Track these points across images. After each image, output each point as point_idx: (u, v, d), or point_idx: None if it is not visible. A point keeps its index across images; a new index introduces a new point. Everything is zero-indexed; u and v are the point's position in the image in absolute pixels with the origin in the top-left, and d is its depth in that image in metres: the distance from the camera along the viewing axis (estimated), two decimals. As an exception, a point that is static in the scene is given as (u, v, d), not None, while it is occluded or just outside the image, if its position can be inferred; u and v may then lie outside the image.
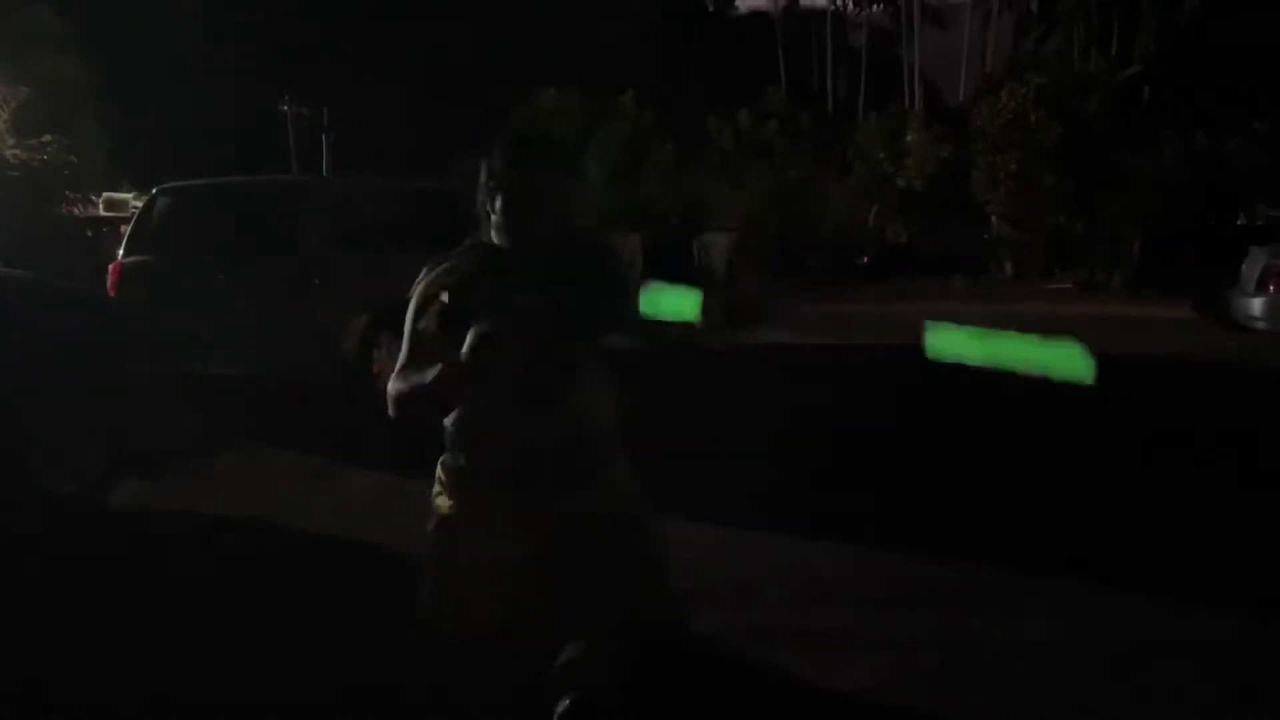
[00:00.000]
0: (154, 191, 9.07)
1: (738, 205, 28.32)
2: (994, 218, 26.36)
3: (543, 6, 34.86)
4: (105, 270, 8.73)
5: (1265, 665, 3.31)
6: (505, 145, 2.22)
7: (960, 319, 15.34)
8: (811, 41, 43.91)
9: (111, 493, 5.52)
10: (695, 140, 30.34)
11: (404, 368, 2.17)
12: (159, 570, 4.39)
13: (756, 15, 47.86)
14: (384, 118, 29.19)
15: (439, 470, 2.29)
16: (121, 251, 8.70)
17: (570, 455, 2.20)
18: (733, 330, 13.46)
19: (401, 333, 2.25)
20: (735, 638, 3.50)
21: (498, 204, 2.18)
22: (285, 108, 28.35)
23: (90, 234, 21.52)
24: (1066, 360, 1.92)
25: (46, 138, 18.15)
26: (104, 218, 21.95)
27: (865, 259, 28.88)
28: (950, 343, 1.98)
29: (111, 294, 8.28)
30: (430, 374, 2.08)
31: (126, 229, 9.67)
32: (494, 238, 2.21)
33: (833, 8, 45.33)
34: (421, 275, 2.22)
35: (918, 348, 11.30)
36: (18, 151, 17.98)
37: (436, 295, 2.15)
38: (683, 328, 2.15)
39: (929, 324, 2.06)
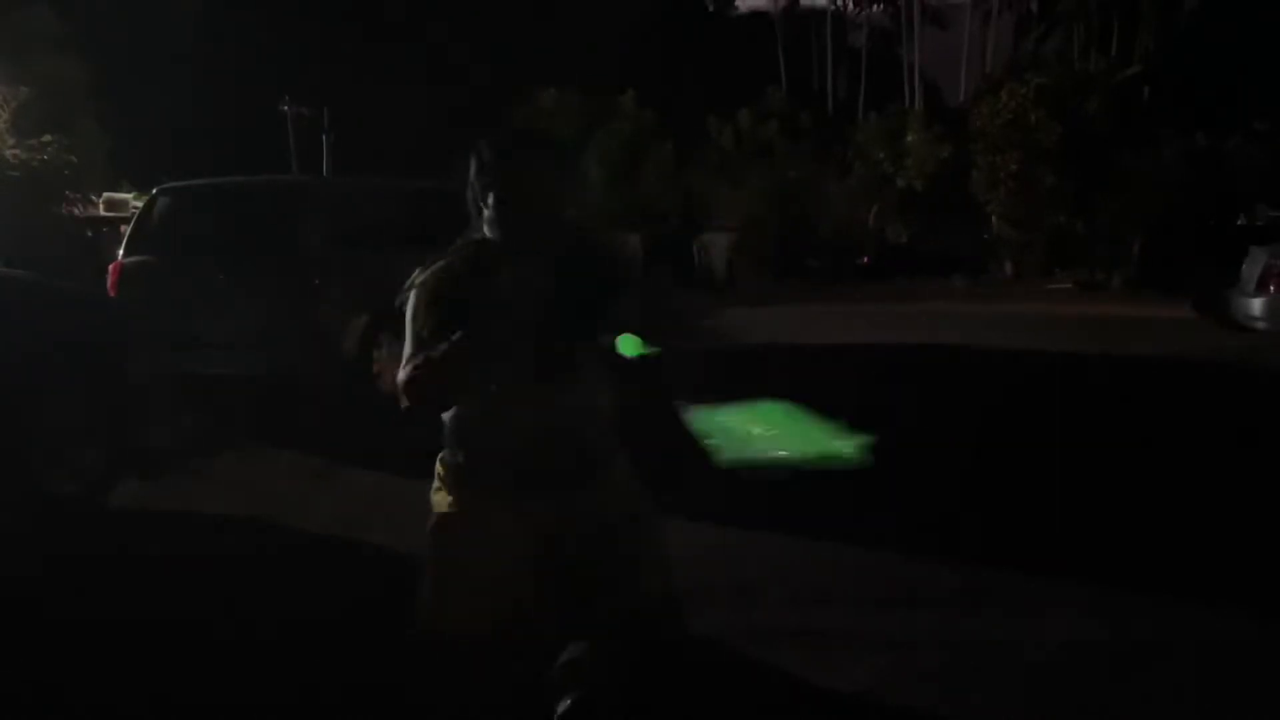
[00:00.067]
0: (154, 191, 9.07)
1: (738, 205, 28.33)
2: (994, 218, 26.37)
3: (543, 6, 34.86)
4: (105, 270, 8.73)
5: (1265, 665, 3.31)
6: (494, 138, 2.22)
7: (960, 319, 15.37)
8: (811, 41, 43.92)
9: (111, 493, 5.52)
10: (695, 140, 30.35)
11: (409, 361, 2.17)
12: (159, 570, 4.38)
13: (756, 15, 47.88)
14: (384, 118, 29.19)
15: (438, 466, 2.29)
16: (122, 251, 8.69)
17: (570, 453, 2.21)
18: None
19: (401, 333, 2.25)
20: (735, 638, 3.50)
21: (490, 199, 2.18)
22: (285, 108, 28.36)
23: (90, 234, 21.53)
24: (840, 450, 1.84)
25: (46, 138, 18.15)
26: (104, 218, 21.96)
27: (865, 259, 28.89)
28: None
29: (112, 294, 8.28)
30: (439, 351, 2.07)
31: (126, 229, 9.67)
32: (487, 233, 2.21)
33: (833, 8, 45.36)
34: (415, 275, 2.22)
35: (921, 347, 11.31)
36: (18, 151, 17.98)
37: (434, 297, 2.15)
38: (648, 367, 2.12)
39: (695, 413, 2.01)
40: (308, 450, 6.62)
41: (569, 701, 2.27)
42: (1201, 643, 3.46)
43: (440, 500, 2.27)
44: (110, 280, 8.45)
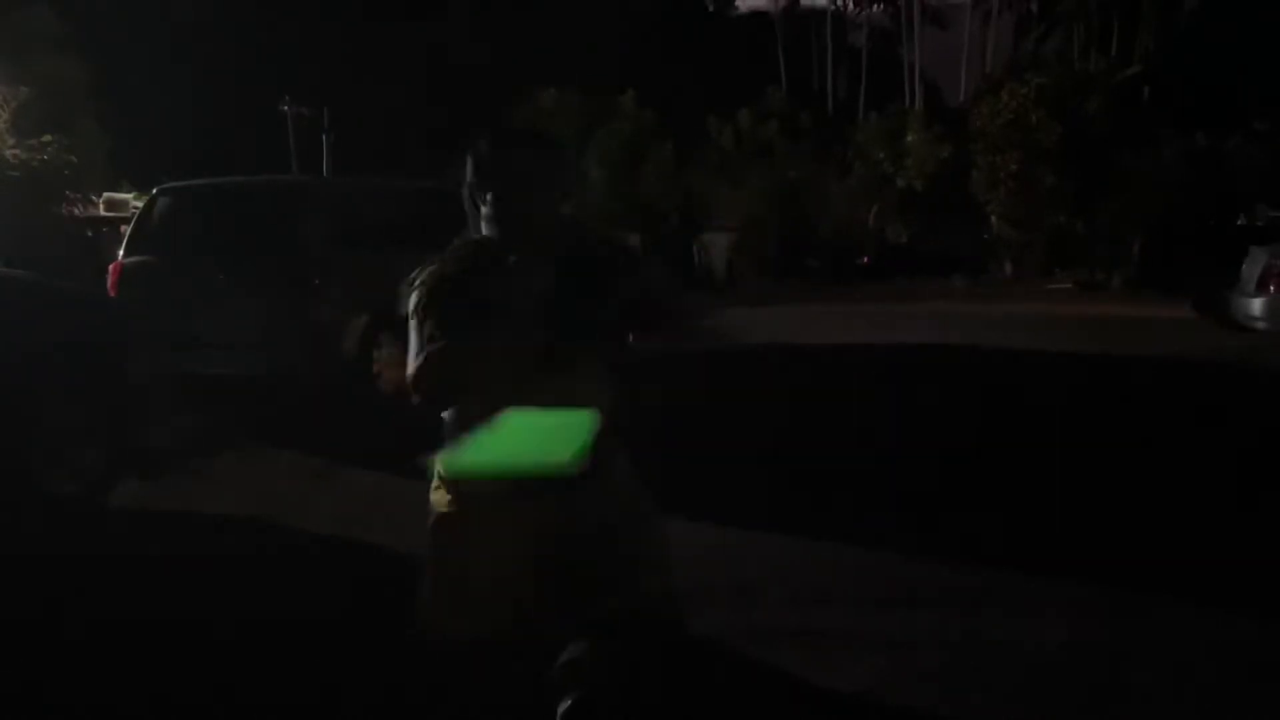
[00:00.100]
0: (154, 191, 9.07)
1: (738, 205, 28.34)
2: (994, 218, 26.38)
3: (543, 6, 34.87)
4: (105, 270, 8.73)
5: (1265, 665, 3.31)
6: (490, 136, 2.22)
7: (960, 319, 15.38)
8: (812, 41, 43.92)
9: (111, 493, 5.52)
10: (695, 140, 30.34)
11: (415, 357, 2.17)
12: (159, 570, 4.38)
13: (756, 15, 47.88)
14: (384, 118, 29.19)
15: (438, 465, 2.29)
16: (122, 252, 8.70)
17: None
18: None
19: (401, 333, 2.25)
20: (735, 638, 3.50)
21: (488, 196, 2.18)
22: (285, 108, 28.36)
23: (90, 234, 21.54)
24: (571, 429, 1.87)
25: (47, 138, 18.16)
26: (104, 218, 21.97)
27: (865, 259, 28.90)
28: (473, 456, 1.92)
29: (112, 294, 8.28)
30: (439, 350, 2.10)
31: (127, 229, 9.68)
32: (485, 232, 2.21)
33: (833, 8, 45.35)
34: (414, 275, 2.22)
35: (921, 347, 11.32)
36: (18, 151, 17.98)
37: (434, 296, 2.15)
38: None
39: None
40: (308, 450, 6.62)
41: (571, 702, 2.26)
42: (1201, 643, 3.46)
43: (439, 499, 2.27)
44: (110, 280, 8.45)
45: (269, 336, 7.87)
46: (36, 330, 5.43)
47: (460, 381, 2.16)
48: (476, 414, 2.21)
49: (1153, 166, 24.06)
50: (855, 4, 46.94)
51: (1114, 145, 24.37)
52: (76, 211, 20.37)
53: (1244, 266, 11.83)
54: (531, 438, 1.93)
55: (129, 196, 21.66)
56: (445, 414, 2.26)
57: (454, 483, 2.26)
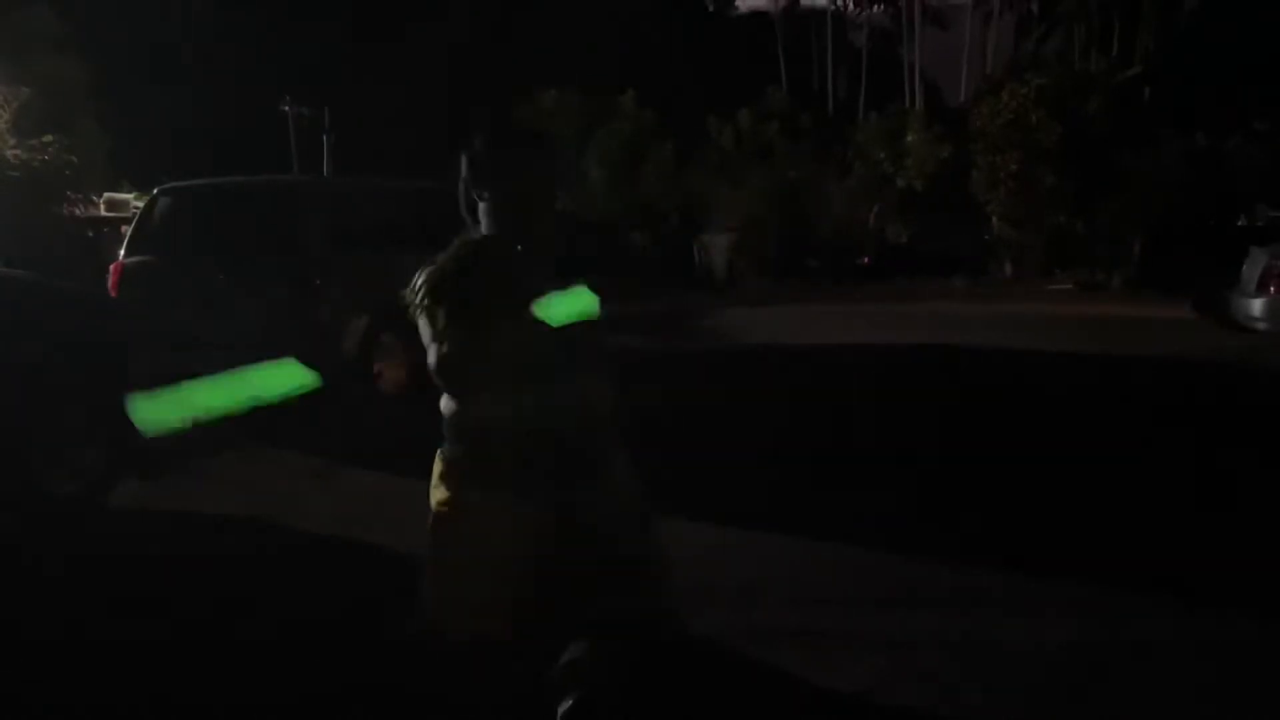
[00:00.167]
0: (155, 192, 9.07)
1: (738, 205, 28.32)
2: (994, 218, 26.36)
3: (543, 6, 34.86)
4: (106, 270, 8.73)
5: (1266, 665, 3.31)
6: (484, 135, 2.23)
7: (960, 319, 15.38)
8: (812, 41, 43.92)
9: (111, 493, 5.52)
10: (695, 140, 30.31)
11: (431, 350, 2.17)
12: (159, 570, 4.39)
13: (757, 15, 47.88)
14: (385, 118, 29.19)
15: (437, 461, 2.29)
16: (123, 252, 8.70)
17: (569, 451, 2.20)
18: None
19: (401, 333, 2.26)
20: (735, 638, 3.50)
21: (485, 194, 2.18)
22: (286, 108, 28.37)
23: (91, 234, 21.54)
24: (282, 378, 2.02)
25: (47, 138, 18.16)
26: (105, 218, 21.98)
27: (865, 259, 28.88)
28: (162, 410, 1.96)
29: (113, 294, 8.28)
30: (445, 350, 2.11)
31: (127, 229, 9.68)
32: (484, 229, 2.21)
33: (833, 8, 45.34)
34: (416, 278, 2.22)
35: (921, 347, 11.32)
36: (18, 152, 17.99)
37: (436, 296, 2.15)
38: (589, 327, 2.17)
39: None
40: (308, 450, 6.63)
41: (572, 702, 2.27)
42: (1200, 643, 3.46)
43: (439, 497, 2.27)
44: (111, 280, 8.45)
45: (269, 336, 7.86)
46: (37, 330, 5.43)
47: (475, 377, 2.17)
48: (476, 411, 2.21)
49: (1153, 167, 24.04)
50: (855, 4, 46.94)
51: (1114, 145, 24.36)
52: (77, 212, 20.38)
53: (1244, 267, 11.82)
54: (237, 382, 2.04)
55: (129, 197, 21.67)
56: (445, 412, 2.26)
57: (454, 479, 2.26)
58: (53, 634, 3.67)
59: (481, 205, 2.20)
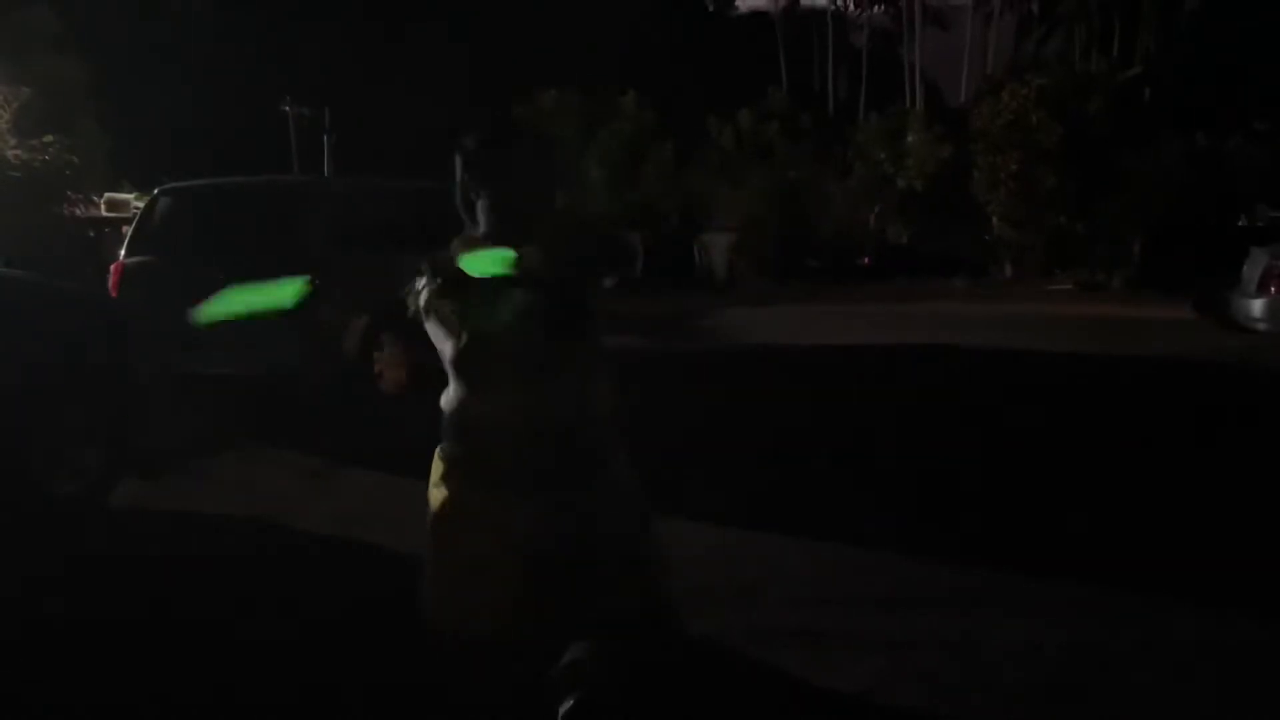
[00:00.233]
0: (155, 192, 9.07)
1: (738, 205, 28.33)
2: (994, 218, 26.37)
3: (543, 6, 34.87)
4: (106, 270, 8.73)
5: (1265, 665, 3.31)
6: (476, 131, 2.23)
7: (960, 320, 15.38)
8: (812, 42, 43.95)
9: (111, 493, 5.52)
10: (695, 140, 30.33)
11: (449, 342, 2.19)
12: (159, 570, 4.38)
13: (757, 15, 47.92)
14: (385, 118, 29.20)
15: (436, 460, 2.29)
16: (123, 252, 8.71)
17: (568, 449, 2.20)
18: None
19: (401, 333, 2.27)
20: (735, 638, 3.50)
21: (481, 193, 2.18)
22: (287, 108, 28.38)
23: (91, 234, 21.56)
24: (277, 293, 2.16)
25: (48, 138, 18.18)
26: (105, 218, 22.00)
27: (866, 260, 28.89)
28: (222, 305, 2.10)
29: (113, 294, 8.28)
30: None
31: (128, 229, 9.68)
32: (481, 227, 2.21)
33: (834, 8, 45.38)
34: (418, 279, 2.22)
35: (921, 347, 11.32)
36: (19, 152, 18.00)
37: (442, 293, 2.15)
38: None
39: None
40: (308, 450, 6.62)
41: (571, 702, 2.27)
42: (1200, 643, 3.46)
43: (438, 495, 2.27)
44: (111, 280, 8.45)
45: (269, 337, 7.85)
46: (37, 330, 5.43)
47: (495, 368, 2.17)
48: (475, 409, 2.21)
49: (1153, 167, 24.05)
50: (856, 4, 46.98)
51: (1114, 146, 24.37)
52: (78, 212, 20.41)
53: (1244, 267, 11.83)
54: (259, 291, 2.30)
55: (130, 197, 21.69)
56: (446, 410, 2.26)
57: (453, 477, 2.26)
58: (53, 634, 3.67)
59: (479, 204, 2.20)
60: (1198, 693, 3.13)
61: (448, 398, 2.26)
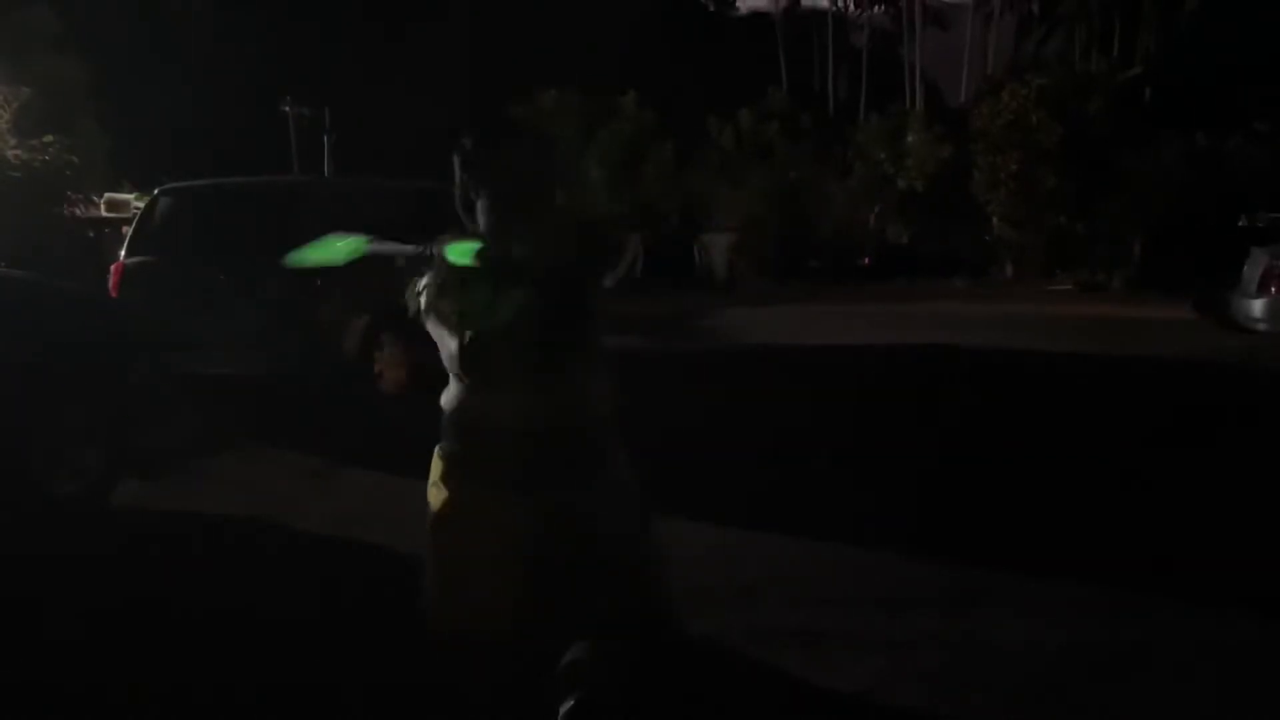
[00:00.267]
0: (155, 192, 9.07)
1: (738, 205, 28.34)
2: (995, 219, 26.38)
3: (543, 6, 34.86)
4: (106, 270, 8.73)
5: (1265, 665, 3.31)
6: (472, 131, 2.23)
7: (960, 320, 15.38)
8: (813, 42, 43.93)
9: (111, 493, 5.52)
10: (696, 140, 30.33)
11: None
12: (159, 570, 4.38)
13: (757, 15, 47.91)
14: (385, 118, 29.20)
15: (435, 459, 2.29)
16: (123, 252, 8.70)
17: (567, 448, 2.20)
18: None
19: (401, 333, 2.27)
20: (735, 638, 3.50)
21: (480, 192, 2.18)
22: (287, 108, 28.38)
23: (91, 234, 21.56)
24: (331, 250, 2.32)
25: (48, 138, 18.17)
26: (105, 218, 22.00)
27: (866, 260, 28.90)
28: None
29: (113, 294, 8.28)
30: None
31: (128, 230, 9.68)
32: (481, 227, 2.21)
33: (834, 8, 45.37)
34: (418, 280, 2.22)
35: (922, 347, 11.32)
36: (19, 152, 18.00)
37: (443, 291, 2.16)
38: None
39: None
40: (308, 450, 6.62)
41: (574, 702, 2.26)
42: (1200, 643, 3.46)
43: (438, 494, 2.27)
44: (112, 281, 8.45)
45: (269, 337, 7.87)
46: (37, 330, 5.43)
47: (499, 364, 2.17)
48: (474, 408, 2.21)
49: (1153, 167, 24.06)
50: (856, 5, 46.97)
51: (1115, 146, 24.38)
52: (78, 212, 20.40)
53: (1244, 268, 11.83)
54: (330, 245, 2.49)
55: (130, 197, 21.68)
56: (446, 408, 2.26)
57: (452, 476, 2.26)
58: (53, 633, 3.67)
59: (478, 204, 2.20)
60: (1198, 693, 3.13)
61: (448, 397, 2.26)
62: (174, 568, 4.41)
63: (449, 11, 32.79)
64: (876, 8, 46.86)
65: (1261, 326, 11.28)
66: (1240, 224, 22.08)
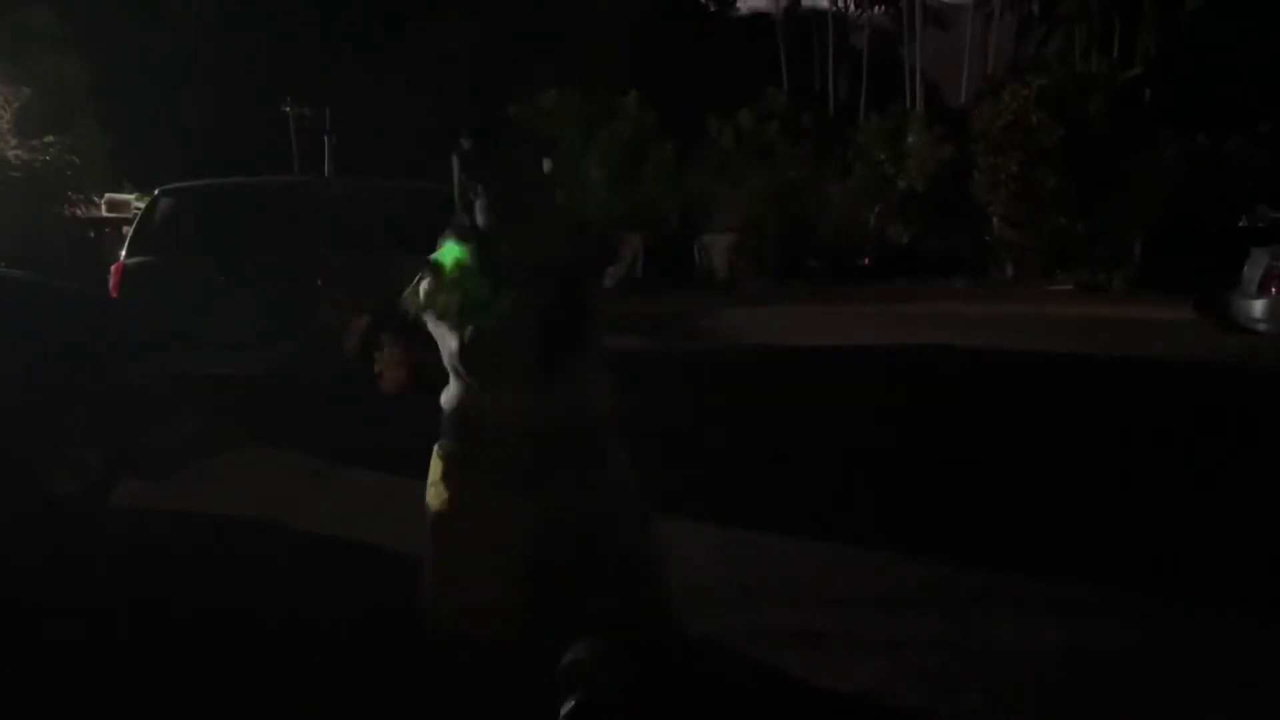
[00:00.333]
0: (156, 192, 9.07)
1: (738, 206, 28.34)
2: (995, 219, 26.37)
3: (543, 6, 34.87)
4: (107, 271, 8.74)
5: (1265, 665, 3.31)
6: (470, 131, 2.23)
7: (960, 320, 15.37)
8: (813, 42, 43.96)
9: (111, 493, 5.52)
10: (696, 140, 30.33)
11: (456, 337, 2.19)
12: (159, 570, 4.39)
13: (757, 15, 47.95)
14: (386, 119, 29.20)
15: (435, 459, 2.29)
16: (124, 252, 8.71)
17: (566, 448, 2.20)
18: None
19: (401, 333, 2.27)
20: (735, 638, 3.50)
21: (479, 191, 2.19)
22: (287, 109, 28.39)
23: (92, 234, 21.56)
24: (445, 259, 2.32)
25: (48, 138, 18.17)
26: (106, 218, 22.00)
27: (866, 260, 28.90)
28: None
29: (114, 294, 8.28)
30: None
31: (128, 230, 9.68)
32: (480, 225, 2.21)
33: (834, 8, 45.39)
34: (418, 280, 2.22)
35: (922, 348, 11.32)
36: (19, 152, 18.00)
37: (442, 290, 2.16)
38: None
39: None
40: (308, 450, 6.62)
41: (574, 702, 2.27)
42: (1201, 643, 3.46)
43: (437, 494, 2.27)
44: (112, 281, 8.45)
45: (270, 337, 7.87)
46: (37, 330, 5.44)
47: (502, 361, 2.17)
48: (473, 407, 2.21)
49: (1154, 168, 24.05)
50: (856, 5, 46.99)
51: (1115, 146, 24.37)
52: (78, 212, 20.39)
53: (1245, 268, 11.83)
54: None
55: (131, 197, 21.69)
56: (446, 407, 2.27)
57: (451, 475, 2.26)
58: (53, 634, 3.67)
59: (477, 204, 2.21)
60: (1197, 693, 3.13)
61: (448, 396, 2.26)
62: (174, 568, 4.41)
63: (449, 11, 32.78)
64: (877, 8, 46.90)
65: (1262, 327, 11.28)
66: (1241, 224, 22.11)
